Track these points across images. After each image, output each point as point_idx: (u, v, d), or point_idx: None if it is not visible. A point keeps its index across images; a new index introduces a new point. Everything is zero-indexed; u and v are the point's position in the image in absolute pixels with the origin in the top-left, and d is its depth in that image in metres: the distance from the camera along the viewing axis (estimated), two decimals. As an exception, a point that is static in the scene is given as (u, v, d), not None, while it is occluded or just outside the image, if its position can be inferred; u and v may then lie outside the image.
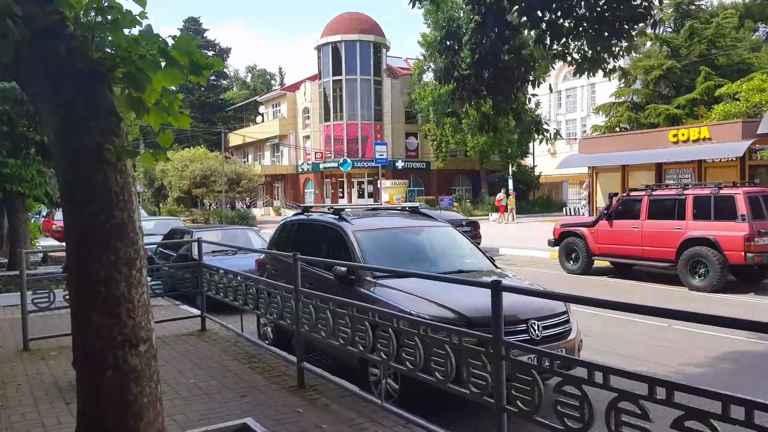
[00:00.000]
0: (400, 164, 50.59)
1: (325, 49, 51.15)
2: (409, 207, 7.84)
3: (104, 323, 3.34)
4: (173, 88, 3.65)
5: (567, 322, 5.39)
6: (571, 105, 60.68)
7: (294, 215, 8.26)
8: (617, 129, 39.12)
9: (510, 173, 40.87)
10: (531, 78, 7.05)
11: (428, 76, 48.93)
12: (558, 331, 5.23)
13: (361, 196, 51.93)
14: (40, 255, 16.39)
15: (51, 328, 8.25)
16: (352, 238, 6.19)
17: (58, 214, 26.16)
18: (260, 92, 71.66)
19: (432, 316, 4.80)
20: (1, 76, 6.70)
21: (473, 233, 18.24)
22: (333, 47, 50.49)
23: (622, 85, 41.50)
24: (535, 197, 50.54)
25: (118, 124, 3.55)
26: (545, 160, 52.56)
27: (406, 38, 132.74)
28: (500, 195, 36.47)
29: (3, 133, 10.95)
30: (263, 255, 8.15)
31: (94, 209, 3.39)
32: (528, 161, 53.38)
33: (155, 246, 13.37)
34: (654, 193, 12.98)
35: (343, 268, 5.78)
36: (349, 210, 7.21)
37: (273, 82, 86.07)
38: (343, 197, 52.34)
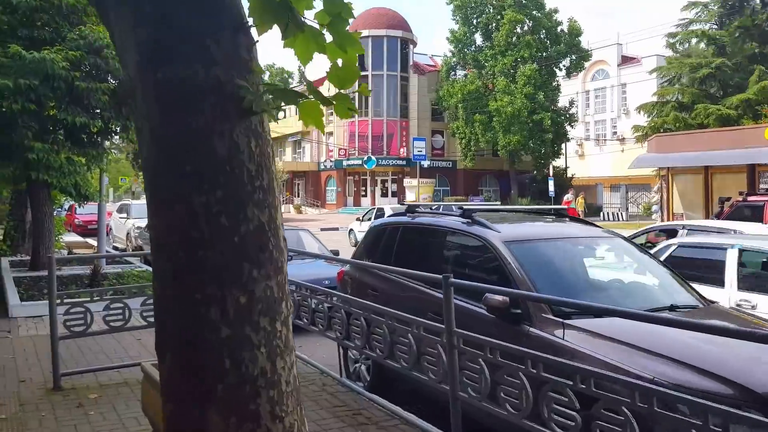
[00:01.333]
0: (425, 163, 48.88)
1: (351, 43, 49.61)
2: (555, 210, 5.95)
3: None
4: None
5: None
6: (600, 105, 58.77)
7: (390, 216, 6.74)
8: (661, 130, 37.33)
9: (550, 174, 38.95)
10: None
11: (459, 73, 47.40)
12: None
13: (384, 195, 50.41)
14: (65, 252, 15.01)
15: (85, 353, 6.79)
16: (505, 253, 4.38)
17: (81, 208, 24.87)
18: (281, 88, 70.09)
19: (690, 388, 2.99)
20: None
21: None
22: (360, 42, 48.90)
23: (665, 83, 39.68)
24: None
25: (249, 48, 2.05)
26: (573, 162, 50.78)
27: (431, 36, 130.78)
28: (568, 196, 32.34)
29: (30, 112, 9.52)
30: (348, 267, 6.54)
31: (209, 203, 1.89)
32: (559, 163, 51.56)
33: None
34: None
35: (500, 298, 3.97)
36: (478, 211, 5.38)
37: (291, 80, 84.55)
38: (365, 196, 50.88)
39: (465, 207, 5.31)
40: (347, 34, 2.17)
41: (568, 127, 46.24)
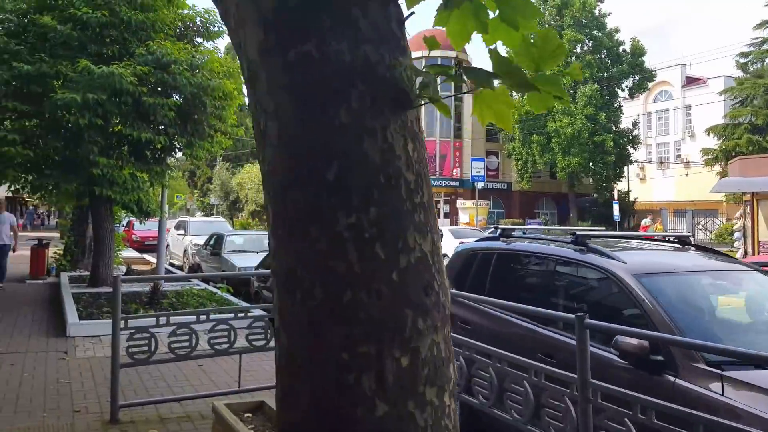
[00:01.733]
0: (480, 184, 48.02)
1: (406, 63, 49.54)
2: (676, 237, 5.08)
3: None
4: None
5: None
6: (663, 128, 56.79)
7: (480, 240, 6.07)
8: (733, 153, 35.52)
9: (615, 197, 37.43)
10: None
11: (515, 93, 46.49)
12: None
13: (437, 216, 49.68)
14: (124, 268, 14.93)
15: (145, 380, 6.37)
16: (637, 287, 3.64)
17: (140, 224, 25.16)
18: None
19: None
20: None
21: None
22: (413, 64, 48.76)
23: (737, 105, 37.86)
24: (631, 225, 46.80)
25: (400, 23, 1.51)
26: (634, 186, 49.01)
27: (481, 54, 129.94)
28: (646, 221, 30.20)
29: (96, 127, 9.36)
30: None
31: (360, 226, 1.40)
32: (620, 186, 49.79)
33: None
34: None
35: (636, 341, 3.27)
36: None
37: None
38: (418, 217, 50.26)
39: (575, 232, 4.55)
40: (523, 2, 1.59)
41: (630, 150, 44.63)
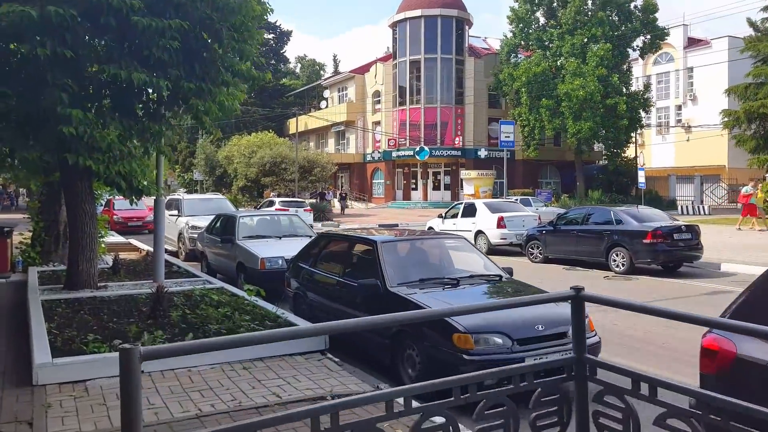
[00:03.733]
0: (483, 153, 45.30)
1: (401, 25, 46.15)
2: None
3: None
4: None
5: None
6: (663, 92, 54.35)
7: None
8: (757, 113, 33.19)
9: (642, 163, 34.75)
10: None
11: (520, 55, 43.54)
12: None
13: (436, 188, 46.88)
14: (108, 258, 11.90)
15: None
16: None
17: (121, 203, 21.82)
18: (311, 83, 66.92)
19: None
20: None
21: (694, 243, 13.01)
22: (411, 23, 45.42)
23: (759, 63, 35.33)
24: (637, 193, 44.39)
25: None
26: (633, 152, 46.53)
27: (481, 14, 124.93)
28: (747, 188, 23.28)
29: (63, 63, 6.28)
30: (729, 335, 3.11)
31: None
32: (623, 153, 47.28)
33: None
34: None
35: None
36: None
37: (323, 72, 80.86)
38: (416, 189, 47.42)
39: None
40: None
41: (642, 113, 42.07)
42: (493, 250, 16.98)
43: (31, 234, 12.40)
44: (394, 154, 46.72)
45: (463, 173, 42.18)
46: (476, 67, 45.71)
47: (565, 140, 44.19)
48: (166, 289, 7.54)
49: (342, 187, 52.34)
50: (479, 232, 18.02)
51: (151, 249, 16.04)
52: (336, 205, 38.59)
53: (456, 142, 44.61)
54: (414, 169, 47.31)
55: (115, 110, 7.43)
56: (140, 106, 7.74)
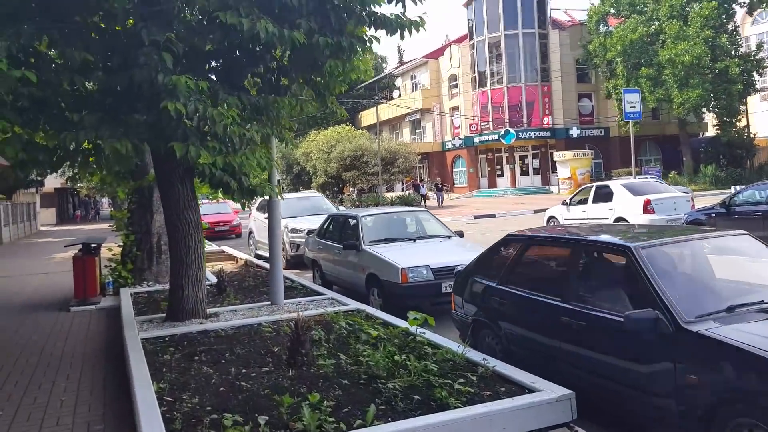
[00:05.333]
0: (574, 132, 41.93)
1: (477, 2, 43.25)
2: None
3: None
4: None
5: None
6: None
7: None
8: None
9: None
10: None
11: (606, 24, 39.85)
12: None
13: (524, 173, 43.83)
14: (210, 275, 10.09)
15: None
16: None
17: (206, 206, 20.26)
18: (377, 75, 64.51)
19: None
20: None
21: None
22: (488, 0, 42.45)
23: None
24: (753, 166, 39.85)
25: None
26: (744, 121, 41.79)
27: None
28: None
29: (156, 14, 4.24)
30: None
31: None
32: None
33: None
34: None
35: None
36: None
37: (385, 65, 77.86)
38: (502, 175, 44.54)
39: None
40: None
41: (756, 76, 37.61)
42: (636, 240, 14.29)
43: (120, 249, 10.76)
44: (476, 140, 44.02)
45: (557, 155, 39.07)
46: (561, 40, 42.29)
47: (667, 113, 40.26)
48: (306, 325, 5.47)
49: (421, 178, 50.01)
50: (619, 219, 15.33)
51: (249, 257, 14.38)
52: (431, 197, 36.31)
53: (545, 122, 41.41)
54: (498, 154, 44.45)
55: (227, 81, 5.40)
56: (256, 72, 5.69)
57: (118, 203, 33.81)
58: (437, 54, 50.26)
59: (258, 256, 15.78)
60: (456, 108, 46.47)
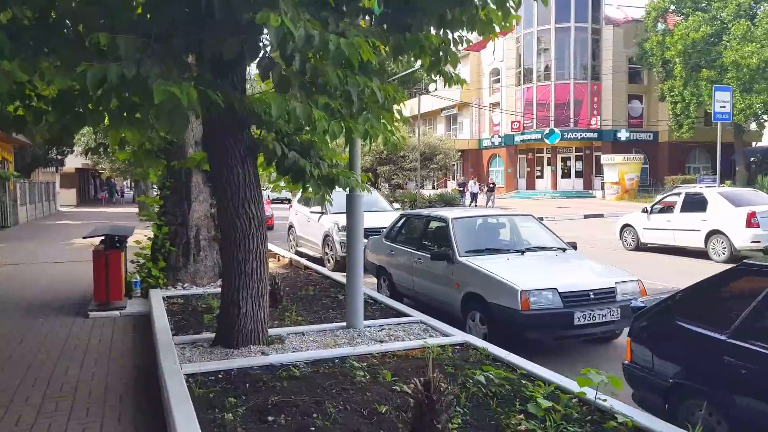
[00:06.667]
0: (623, 135, 39.61)
1: (526, -7, 41.03)
2: None
3: None
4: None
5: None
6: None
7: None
8: None
9: None
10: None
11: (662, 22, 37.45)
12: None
13: (565, 175, 41.60)
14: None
15: None
16: None
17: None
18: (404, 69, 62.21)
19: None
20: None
21: None
22: (538, -11, 40.17)
23: None
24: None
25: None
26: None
27: None
28: None
29: None
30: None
31: None
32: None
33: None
34: None
35: None
36: None
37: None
38: (541, 177, 42.35)
39: None
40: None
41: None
42: (736, 257, 12.29)
43: (150, 243, 8.99)
44: (517, 138, 41.86)
45: (605, 158, 36.84)
46: (614, 37, 39.92)
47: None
48: (440, 387, 3.59)
49: (456, 176, 47.96)
50: (714, 233, 13.30)
51: (293, 256, 12.58)
52: (479, 198, 34.17)
53: (592, 123, 39.14)
54: (540, 155, 42.25)
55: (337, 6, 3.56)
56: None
57: (142, 188, 32.22)
58: (479, 46, 47.99)
59: (299, 253, 14.01)
60: (496, 104, 44.33)
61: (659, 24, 37.65)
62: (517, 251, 7.14)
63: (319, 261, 12.62)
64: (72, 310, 7.93)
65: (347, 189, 5.91)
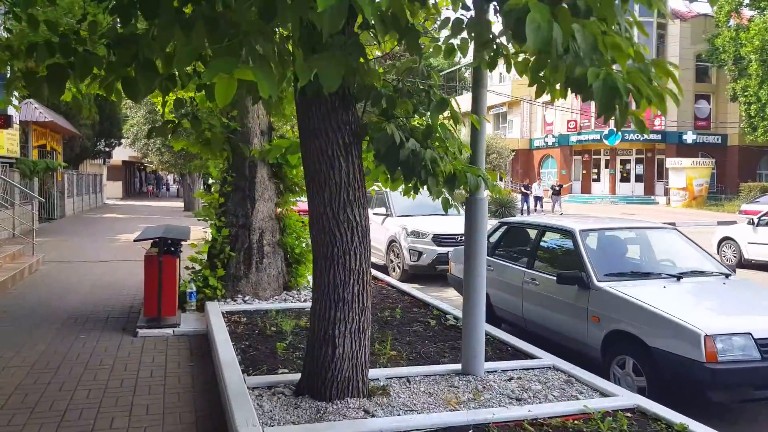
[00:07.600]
0: (689, 137, 37.27)
1: (586, -15, 38.93)
2: None
3: None
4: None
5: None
6: None
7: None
8: None
9: None
10: None
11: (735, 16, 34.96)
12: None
13: (624, 179, 39.41)
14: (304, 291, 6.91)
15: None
16: None
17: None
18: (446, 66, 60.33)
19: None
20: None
21: None
22: (600, -19, 38.07)
23: None
24: None
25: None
26: None
27: None
28: None
29: None
30: None
31: None
32: None
33: None
34: None
35: None
36: None
37: (460, 54, 72.95)
38: (598, 180, 40.24)
39: None
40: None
41: None
42: None
43: (207, 246, 7.74)
44: (572, 139, 39.86)
45: (671, 161, 34.63)
46: (681, 32, 37.56)
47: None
48: None
49: (501, 178, 46.06)
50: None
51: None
52: (546, 202, 31.47)
53: (656, 124, 36.90)
54: (597, 157, 40.16)
55: None
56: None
57: (187, 181, 31.36)
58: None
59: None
60: (550, 102, 42.32)
61: (732, 19, 35.19)
62: (671, 276, 5.62)
63: (381, 268, 11.29)
64: (117, 325, 6.75)
65: (474, 190, 4.49)
